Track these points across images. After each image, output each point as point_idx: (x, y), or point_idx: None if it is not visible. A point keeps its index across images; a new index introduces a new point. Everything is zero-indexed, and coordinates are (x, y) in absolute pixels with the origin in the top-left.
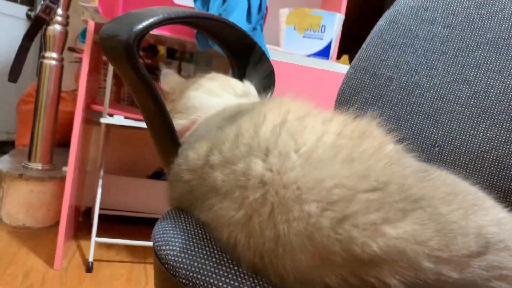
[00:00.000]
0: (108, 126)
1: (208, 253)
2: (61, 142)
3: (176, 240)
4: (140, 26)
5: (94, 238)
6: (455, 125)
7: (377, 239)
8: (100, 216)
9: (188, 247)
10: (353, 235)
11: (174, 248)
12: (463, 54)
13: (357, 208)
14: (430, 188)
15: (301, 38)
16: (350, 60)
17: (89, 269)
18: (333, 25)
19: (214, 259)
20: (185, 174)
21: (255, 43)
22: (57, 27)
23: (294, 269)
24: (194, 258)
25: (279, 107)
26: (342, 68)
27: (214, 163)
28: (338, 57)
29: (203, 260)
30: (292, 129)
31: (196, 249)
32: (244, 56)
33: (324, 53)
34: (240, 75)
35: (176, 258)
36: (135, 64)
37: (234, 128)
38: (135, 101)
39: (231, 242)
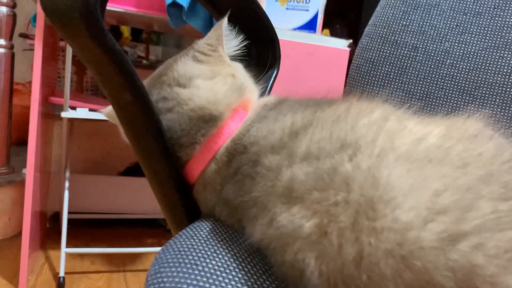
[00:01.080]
0: (72, 120)
1: None
2: (20, 141)
3: None
4: None
5: (64, 248)
6: (497, 100)
7: None
8: (70, 221)
9: None
10: (476, 262)
11: None
12: (502, 13)
13: (481, 221)
14: None
15: (284, 10)
16: (331, 35)
17: (60, 284)
18: None
19: None
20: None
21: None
22: (3, 9)
23: None
24: None
25: (372, 106)
26: (333, 42)
27: (297, 151)
28: None
29: None
30: (391, 129)
31: None
32: (237, 18)
33: (310, 26)
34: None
35: None
36: (101, 35)
37: (331, 112)
38: (103, 91)
39: (296, 267)
